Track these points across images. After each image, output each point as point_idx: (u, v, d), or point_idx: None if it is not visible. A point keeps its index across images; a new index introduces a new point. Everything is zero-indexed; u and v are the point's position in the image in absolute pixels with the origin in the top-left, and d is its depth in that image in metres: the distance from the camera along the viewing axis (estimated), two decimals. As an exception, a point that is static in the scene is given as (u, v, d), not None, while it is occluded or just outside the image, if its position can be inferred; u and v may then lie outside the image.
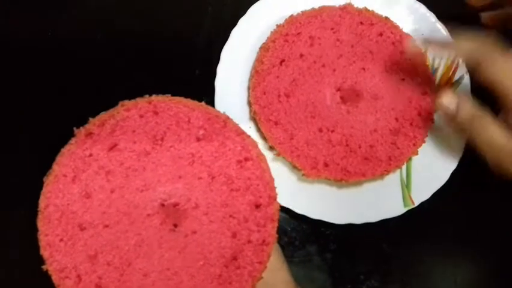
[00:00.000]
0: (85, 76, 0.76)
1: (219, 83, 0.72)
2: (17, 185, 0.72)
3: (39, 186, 0.55)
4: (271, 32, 0.72)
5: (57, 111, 0.74)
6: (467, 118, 0.63)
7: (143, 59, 0.78)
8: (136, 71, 0.77)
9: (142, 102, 0.57)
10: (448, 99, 0.64)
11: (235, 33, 0.73)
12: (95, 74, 0.76)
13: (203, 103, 0.59)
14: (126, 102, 0.57)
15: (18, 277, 0.70)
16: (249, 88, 0.71)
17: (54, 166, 0.55)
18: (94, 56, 0.77)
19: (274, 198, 0.57)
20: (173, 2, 0.80)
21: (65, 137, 0.56)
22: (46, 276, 0.54)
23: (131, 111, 0.57)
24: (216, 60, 0.72)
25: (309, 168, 0.68)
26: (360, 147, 0.68)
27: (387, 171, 0.68)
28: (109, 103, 0.58)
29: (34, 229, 0.54)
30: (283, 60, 0.70)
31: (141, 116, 0.57)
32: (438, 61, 0.74)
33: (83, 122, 0.57)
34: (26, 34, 0.78)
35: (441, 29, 0.74)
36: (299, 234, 0.73)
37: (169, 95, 0.58)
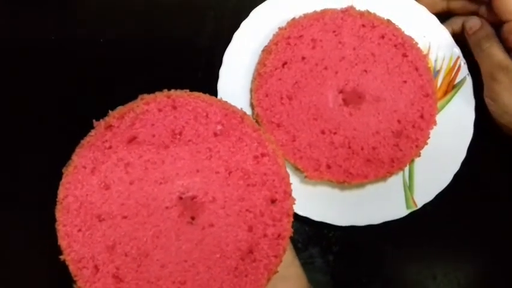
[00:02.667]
0: (85, 76, 0.80)
1: (222, 85, 0.75)
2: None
3: (59, 177, 0.57)
4: (274, 34, 0.74)
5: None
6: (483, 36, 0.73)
7: (145, 63, 0.80)
8: (138, 74, 0.80)
9: (161, 96, 0.60)
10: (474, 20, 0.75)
11: (238, 36, 0.76)
12: (98, 74, 0.80)
13: (221, 98, 0.63)
14: (145, 96, 0.60)
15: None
16: (251, 91, 0.74)
17: (74, 157, 0.58)
18: (96, 56, 0.81)
19: (290, 194, 0.61)
20: (176, 5, 0.83)
21: (84, 129, 0.59)
22: (64, 266, 0.56)
23: (150, 105, 0.60)
24: (219, 63, 0.75)
25: (311, 170, 0.71)
26: (362, 149, 0.71)
27: (390, 173, 0.71)
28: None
29: (52, 219, 0.57)
30: (285, 63, 0.73)
31: (160, 110, 0.60)
32: (440, 63, 0.77)
33: (101, 115, 0.59)
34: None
35: (443, 31, 0.77)
36: (301, 236, 0.76)
37: (188, 90, 0.61)
